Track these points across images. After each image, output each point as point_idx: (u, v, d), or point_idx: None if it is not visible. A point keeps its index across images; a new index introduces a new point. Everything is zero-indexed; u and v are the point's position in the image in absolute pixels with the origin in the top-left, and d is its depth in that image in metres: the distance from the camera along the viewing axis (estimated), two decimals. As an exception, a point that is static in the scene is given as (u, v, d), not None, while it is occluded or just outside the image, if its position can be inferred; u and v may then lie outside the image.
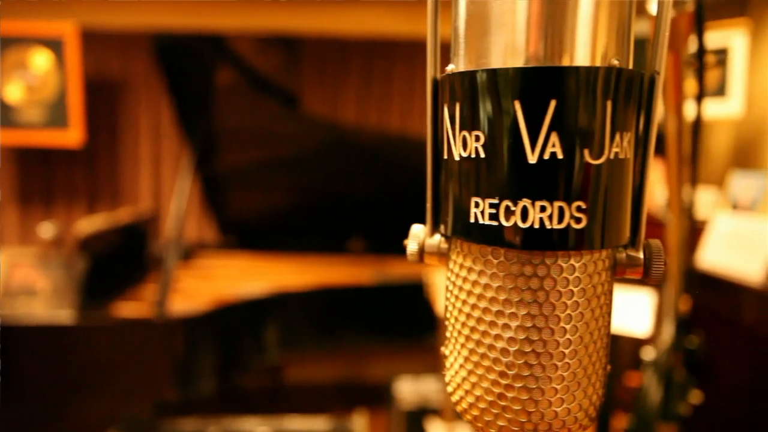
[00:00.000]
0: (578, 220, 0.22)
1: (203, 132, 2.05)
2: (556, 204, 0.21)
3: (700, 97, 0.59)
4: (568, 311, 0.23)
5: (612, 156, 0.22)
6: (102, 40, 2.67)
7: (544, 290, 0.22)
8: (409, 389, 1.91)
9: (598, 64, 0.22)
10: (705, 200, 2.39)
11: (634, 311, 1.78)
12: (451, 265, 0.26)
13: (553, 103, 0.21)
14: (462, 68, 0.24)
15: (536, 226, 0.22)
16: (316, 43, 2.77)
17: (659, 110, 0.24)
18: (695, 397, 1.04)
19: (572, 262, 0.22)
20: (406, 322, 2.01)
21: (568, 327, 0.23)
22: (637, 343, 1.19)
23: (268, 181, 2.34)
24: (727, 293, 1.86)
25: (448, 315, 0.26)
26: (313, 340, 2.03)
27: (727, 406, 1.85)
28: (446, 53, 0.25)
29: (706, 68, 0.57)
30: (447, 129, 0.24)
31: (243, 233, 2.57)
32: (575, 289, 0.23)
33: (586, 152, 0.21)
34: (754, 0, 2.42)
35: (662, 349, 1.02)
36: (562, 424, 0.24)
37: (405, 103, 2.75)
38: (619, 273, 0.25)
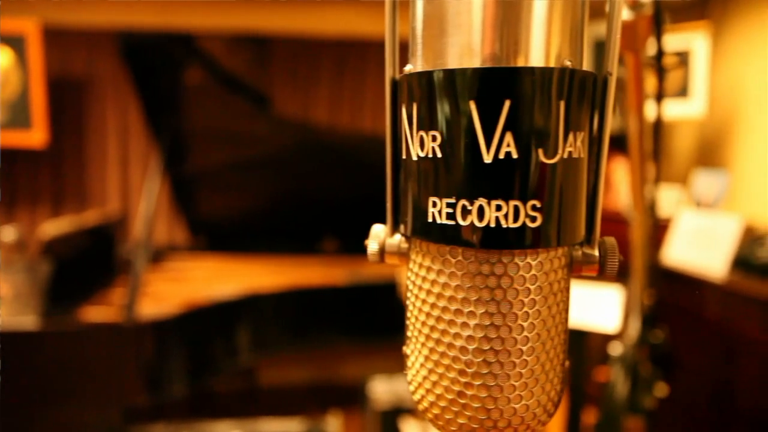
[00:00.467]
0: (533, 219, 0.22)
1: (172, 132, 2.01)
2: (512, 203, 0.22)
3: (659, 98, 0.60)
4: (525, 309, 0.23)
5: (566, 155, 0.22)
6: (66, 38, 2.60)
7: (501, 289, 0.23)
8: (383, 389, 1.91)
9: (551, 64, 0.22)
10: (670, 198, 2.45)
11: (604, 308, 1.82)
12: (411, 265, 0.26)
13: (507, 104, 0.21)
14: (420, 68, 0.24)
15: (492, 225, 0.22)
16: (287, 43, 2.75)
17: (612, 110, 0.24)
18: (661, 390, 1.06)
19: (528, 260, 0.23)
20: (380, 322, 2.01)
21: (525, 324, 0.23)
22: (607, 339, 1.22)
23: (239, 181, 2.31)
24: (692, 288, 1.92)
25: (409, 314, 0.26)
26: (286, 342, 2.02)
27: (691, 398, 1.90)
28: (406, 53, 0.26)
29: (665, 70, 0.58)
30: (405, 129, 0.24)
31: (214, 235, 2.53)
32: (532, 287, 0.23)
33: (540, 152, 0.22)
34: (714, 3, 2.49)
35: (629, 344, 1.04)
36: (521, 421, 0.24)
37: (378, 103, 2.75)
38: (575, 270, 0.25)
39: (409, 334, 0.27)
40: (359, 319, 2.07)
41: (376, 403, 1.90)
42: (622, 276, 0.97)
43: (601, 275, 0.25)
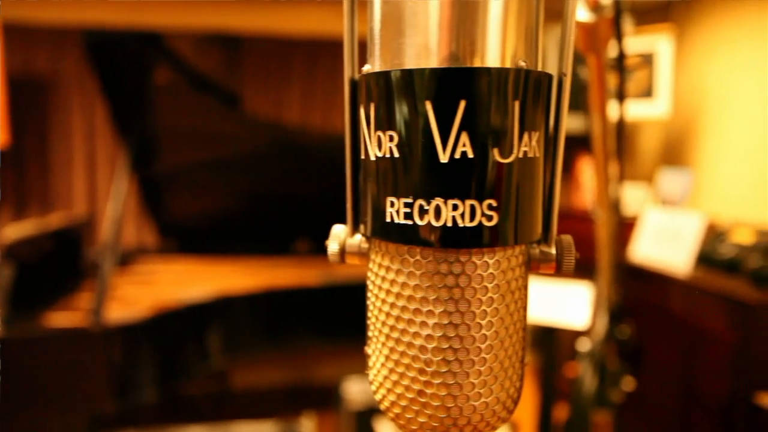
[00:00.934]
0: (490, 218, 0.22)
1: (140, 132, 1.97)
2: (468, 202, 0.22)
3: (621, 98, 0.61)
4: (483, 307, 0.23)
5: (521, 155, 0.22)
6: (28, 36, 2.53)
7: (459, 287, 0.23)
8: (357, 389, 1.91)
9: (507, 65, 0.22)
10: (636, 196, 2.50)
11: (574, 305, 1.85)
12: (371, 265, 0.26)
13: (462, 104, 0.21)
14: (378, 68, 0.24)
15: (449, 224, 0.22)
16: (259, 42, 2.72)
17: (567, 111, 0.24)
18: (628, 384, 1.09)
19: (486, 259, 0.23)
20: (353, 323, 2.00)
21: (483, 323, 0.23)
22: (577, 336, 1.24)
23: (210, 182, 2.28)
24: (658, 284, 1.96)
25: (369, 315, 0.26)
26: (258, 344, 2.00)
27: (658, 391, 1.95)
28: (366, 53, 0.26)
29: (626, 71, 0.59)
30: (363, 129, 0.24)
31: (184, 237, 2.49)
32: (489, 286, 0.23)
33: (495, 151, 0.22)
34: (677, 6, 2.56)
35: (596, 340, 1.06)
36: (480, 418, 0.24)
37: (350, 103, 2.73)
38: (533, 268, 0.25)
39: (370, 334, 0.27)
40: (333, 319, 2.06)
41: (350, 404, 1.90)
42: (589, 273, 0.99)
43: (558, 273, 0.25)
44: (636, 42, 2.31)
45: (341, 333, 2.05)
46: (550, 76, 0.24)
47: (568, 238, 0.25)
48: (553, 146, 0.25)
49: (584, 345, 1.07)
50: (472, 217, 0.22)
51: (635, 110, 2.37)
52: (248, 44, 2.73)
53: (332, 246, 0.27)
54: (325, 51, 2.75)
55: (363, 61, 0.26)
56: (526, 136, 0.23)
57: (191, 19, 2.64)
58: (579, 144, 2.45)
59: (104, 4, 2.55)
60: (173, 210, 2.40)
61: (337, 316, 2.05)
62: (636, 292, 2.04)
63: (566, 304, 1.85)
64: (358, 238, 0.27)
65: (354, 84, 0.26)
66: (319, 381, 2.72)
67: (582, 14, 0.50)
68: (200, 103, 2.02)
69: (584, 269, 1.20)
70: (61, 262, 2.06)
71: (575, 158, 2.80)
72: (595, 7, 0.50)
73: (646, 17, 2.56)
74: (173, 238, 2.49)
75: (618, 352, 1.10)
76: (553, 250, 0.25)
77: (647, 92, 2.32)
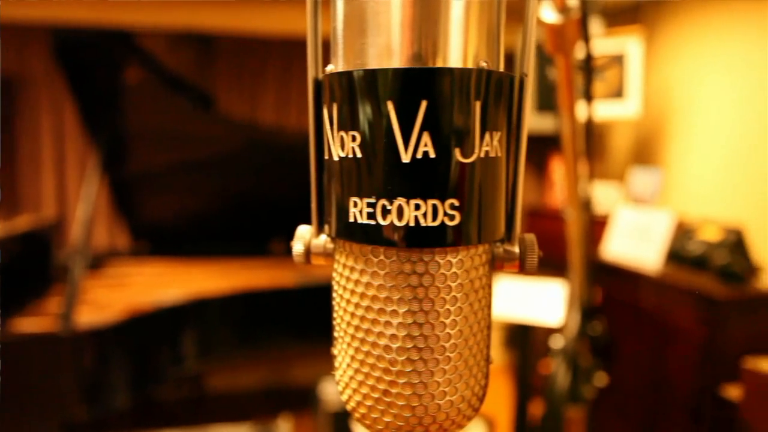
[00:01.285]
0: (452, 218, 0.22)
1: (111, 133, 1.94)
2: (430, 202, 0.22)
3: (589, 99, 0.62)
4: (447, 306, 0.23)
5: (483, 155, 0.23)
6: (-7, 34, 2.46)
7: (422, 287, 0.23)
8: (334, 390, 1.90)
9: (469, 66, 0.23)
10: (608, 195, 2.55)
11: (548, 302, 1.88)
12: (336, 266, 0.26)
13: (424, 104, 0.21)
14: (341, 69, 0.24)
15: (411, 224, 0.22)
16: (232, 42, 2.70)
17: (528, 111, 0.25)
18: (601, 379, 1.10)
19: (449, 258, 0.23)
20: (330, 324, 2.00)
21: (447, 322, 0.23)
22: (551, 333, 1.25)
23: (183, 183, 2.25)
24: (629, 281, 2.00)
25: (335, 315, 0.26)
26: (234, 347, 1.98)
27: (630, 385, 1.99)
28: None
29: (595, 71, 0.60)
30: (327, 129, 0.24)
31: (157, 239, 2.45)
32: (453, 285, 0.23)
33: (457, 151, 0.22)
34: (646, 8, 2.61)
35: (569, 337, 1.07)
36: (445, 416, 0.24)
37: (326, 103, 2.72)
38: (497, 267, 0.26)
39: (335, 334, 0.27)
40: (309, 320, 2.05)
41: (327, 405, 1.89)
42: (562, 271, 1.00)
43: (522, 271, 0.26)
44: (606, 43, 2.35)
45: (317, 334, 2.04)
46: (511, 77, 0.24)
47: (531, 237, 0.26)
48: (515, 146, 0.25)
49: (557, 342, 1.08)
50: (435, 217, 0.22)
51: (606, 110, 2.42)
52: (222, 44, 2.70)
53: (297, 247, 0.27)
54: (300, 50, 2.73)
55: (327, 61, 0.26)
56: (487, 136, 0.23)
57: (163, 18, 2.60)
58: (552, 143, 2.49)
59: (73, 1, 2.50)
60: (146, 212, 2.36)
61: (313, 317, 2.04)
62: (608, 289, 2.08)
63: (541, 301, 1.87)
64: (324, 238, 0.27)
65: (318, 84, 0.25)
66: (296, 382, 2.70)
67: (549, 15, 0.50)
68: (173, 103, 1.99)
69: (557, 267, 1.21)
70: (30, 266, 2.01)
71: (548, 158, 2.84)
72: (563, 9, 0.50)
73: (616, 19, 2.61)
74: (146, 240, 2.45)
75: (590, 349, 1.11)
76: (517, 249, 0.25)
77: (618, 93, 2.36)
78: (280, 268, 2.21)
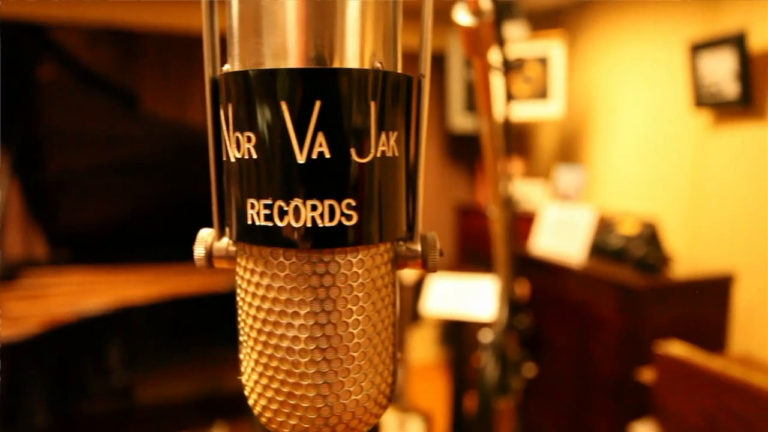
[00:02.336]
0: (349, 218, 0.22)
1: (23, 134, 1.82)
2: (327, 202, 0.22)
3: (507, 100, 0.65)
4: (349, 306, 0.23)
5: (379, 154, 0.23)
6: None
7: (323, 288, 0.23)
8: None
9: (365, 66, 0.23)
10: (535, 192, 2.65)
11: (481, 298, 1.93)
12: (238, 268, 0.25)
13: (318, 104, 0.21)
14: (237, 68, 0.24)
15: (309, 224, 0.22)
16: (158, 39, 2.59)
17: (426, 110, 0.25)
18: (530, 370, 1.14)
19: (349, 258, 0.23)
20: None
21: (350, 321, 0.24)
22: (483, 327, 1.28)
23: (107, 187, 2.14)
24: (556, 274, 2.09)
25: (239, 319, 0.26)
26: (164, 355, 1.90)
27: (558, 374, 2.08)
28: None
29: (509, 73, 0.62)
30: (223, 130, 0.24)
31: (79, 246, 2.32)
32: (354, 285, 0.23)
33: (353, 151, 0.22)
34: (568, 13, 2.74)
35: (497, 331, 1.10)
36: (352, 416, 0.24)
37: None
38: (400, 266, 0.26)
39: (241, 338, 0.26)
40: (244, 325, 2.00)
41: (264, 410, 1.85)
42: (492, 267, 1.03)
43: (425, 269, 0.26)
44: (531, 46, 2.44)
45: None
46: (408, 77, 0.25)
47: (432, 235, 0.26)
48: (415, 146, 0.25)
49: (486, 336, 1.11)
50: (332, 217, 0.22)
51: (531, 111, 2.51)
52: (147, 41, 2.59)
53: (198, 251, 0.26)
54: (229, 49, 2.66)
55: (226, 60, 0.25)
56: (383, 136, 0.23)
57: (80, 12, 2.47)
58: (479, 144, 2.55)
59: (-22, -8, 2.32)
60: (65, 217, 2.23)
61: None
62: (536, 283, 2.16)
63: (474, 298, 1.92)
64: (226, 241, 0.26)
65: (216, 84, 0.25)
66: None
67: (464, 18, 0.52)
68: (92, 102, 1.89)
69: (489, 263, 1.25)
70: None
71: (479, 157, 2.92)
72: (477, 12, 0.52)
73: (540, 23, 2.72)
74: (66, 248, 2.32)
75: (519, 341, 1.15)
76: (419, 247, 0.26)
77: (542, 94, 2.46)
78: (212, 273, 2.15)
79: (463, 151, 3.20)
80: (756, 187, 1.87)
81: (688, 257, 2.09)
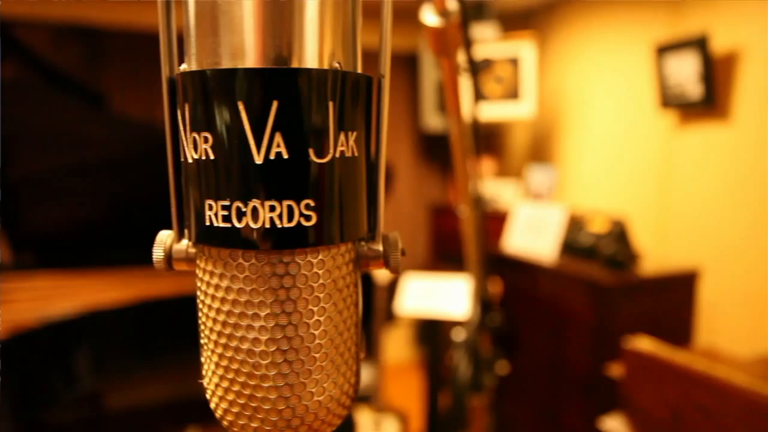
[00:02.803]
0: (309, 218, 0.22)
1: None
2: (285, 203, 0.22)
3: (474, 100, 0.65)
4: (309, 307, 0.23)
5: (338, 155, 0.23)
6: None
7: (283, 289, 0.23)
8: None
9: (323, 66, 0.23)
10: (508, 192, 2.68)
11: (455, 297, 1.94)
12: (197, 271, 0.25)
13: (275, 104, 0.21)
14: (194, 68, 0.23)
15: (267, 225, 0.22)
16: (126, 38, 2.54)
17: (387, 111, 0.25)
18: (503, 368, 1.16)
19: (309, 258, 0.23)
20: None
21: (311, 322, 0.23)
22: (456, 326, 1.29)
23: (74, 189, 2.09)
24: (528, 272, 2.12)
25: (199, 322, 0.26)
26: (135, 360, 1.87)
27: (531, 370, 2.11)
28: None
29: (477, 74, 0.63)
30: (181, 130, 0.24)
31: (45, 250, 2.26)
32: (315, 285, 0.23)
33: (311, 152, 0.22)
34: (539, 15, 2.78)
35: (470, 329, 1.11)
36: (314, 417, 0.24)
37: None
38: (362, 266, 0.26)
39: (201, 341, 0.26)
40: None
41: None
42: (462, 266, 1.04)
43: (388, 268, 0.26)
44: (502, 47, 2.47)
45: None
46: (368, 78, 0.25)
47: (394, 235, 0.26)
48: (376, 146, 0.25)
49: (459, 335, 1.12)
50: (290, 218, 0.22)
51: (503, 111, 2.54)
52: (115, 39, 2.54)
53: (157, 253, 0.26)
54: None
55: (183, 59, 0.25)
56: (342, 136, 0.23)
57: (47, 10, 2.40)
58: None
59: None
60: (30, 221, 2.17)
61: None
62: (510, 281, 2.19)
63: (448, 297, 1.93)
64: (185, 243, 0.26)
65: (173, 83, 0.25)
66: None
67: (431, 19, 0.52)
68: (58, 101, 1.85)
69: (462, 262, 1.25)
70: None
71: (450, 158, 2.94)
72: (443, 12, 0.52)
73: (511, 24, 2.75)
74: (30, 252, 2.25)
75: (492, 339, 1.16)
76: (381, 247, 0.26)
77: (514, 94, 2.49)
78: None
79: (437, 151, 3.22)
80: (719, 185, 1.93)
81: (656, 254, 2.14)
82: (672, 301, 1.90)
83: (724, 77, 1.88)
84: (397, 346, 3.08)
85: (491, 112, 2.53)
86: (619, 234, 1.96)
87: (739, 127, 1.86)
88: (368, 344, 2.14)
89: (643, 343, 1.28)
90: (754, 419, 1.05)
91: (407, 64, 3.01)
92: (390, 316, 2.24)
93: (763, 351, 1.76)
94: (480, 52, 2.45)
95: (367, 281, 1.93)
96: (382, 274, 2.05)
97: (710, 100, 1.89)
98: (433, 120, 2.72)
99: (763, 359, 1.62)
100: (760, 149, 1.79)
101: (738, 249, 1.87)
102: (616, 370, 1.49)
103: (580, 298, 1.85)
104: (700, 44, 1.86)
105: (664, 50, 2.00)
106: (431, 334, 2.06)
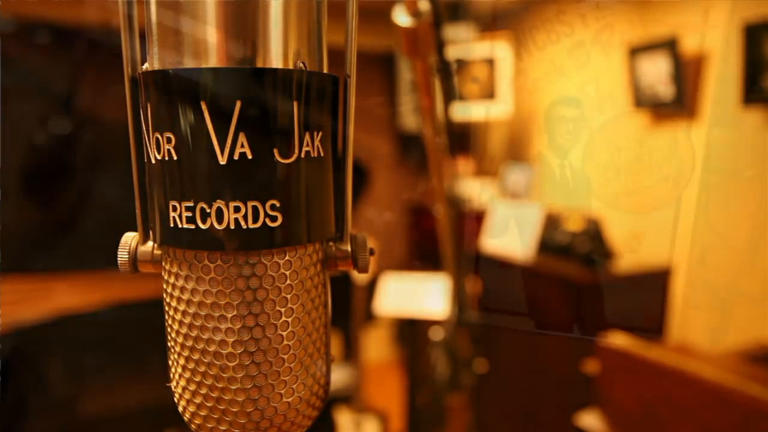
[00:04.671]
0: (274, 219, 0.22)
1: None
2: (250, 204, 0.22)
3: (447, 101, 0.66)
4: (277, 308, 0.23)
5: (303, 155, 0.23)
6: None
7: (250, 290, 0.23)
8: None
9: (287, 65, 0.23)
10: (485, 191, 2.70)
11: (434, 296, 1.95)
12: (163, 273, 0.25)
13: (239, 104, 0.21)
14: (156, 67, 0.23)
15: (232, 226, 0.22)
16: (93, 35, 2.49)
17: (353, 111, 0.25)
18: (481, 366, 1.16)
19: (276, 259, 0.23)
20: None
21: (278, 323, 0.23)
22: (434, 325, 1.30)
23: (38, 190, 2.04)
24: (505, 271, 2.14)
25: (166, 324, 0.25)
26: (109, 365, 1.84)
27: (510, 368, 2.13)
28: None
29: (449, 75, 0.63)
30: (144, 130, 0.23)
31: (10, 254, 2.20)
32: (282, 286, 0.23)
33: (275, 152, 0.22)
34: (514, 14, 2.80)
35: (448, 328, 1.12)
36: (283, 419, 0.24)
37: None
38: (330, 266, 0.26)
39: (168, 344, 0.25)
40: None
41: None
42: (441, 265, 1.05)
43: (356, 268, 0.26)
44: (478, 47, 2.49)
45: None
46: (334, 78, 0.25)
47: (362, 235, 0.26)
48: (343, 146, 0.25)
49: (437, 334, 1.12)
50: (256, 219, 0.22)
51: (480, 111, 2.56)
52: (81, 36, 2.49)
53: (121, 255, 0.25)
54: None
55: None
56: (308, 136, 0.23)
57: (6, 6, 2.34)
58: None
59: None
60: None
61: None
62: (487, 280, 2.20)
63: (426, 296, 1.94)
64: (151, 244, 0.25)
65: (135, 83, 0.24)
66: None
67: (402, 19, 0.52)
68: (21, 100, 1.80)
69: (439, 262, 1.26)
70: None
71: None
72: (415, 12, 0.52)
73: (486, 25, 2.77)
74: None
75: (470, 338, 1.17)
76: (349, 247, 0.26)
77: (490, 94, 2.52)
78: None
79: (415, 151, 3.22)
80: (690, 183, 1.97)
81: (629, 252, 2.17)
82: (646, 298, 1.94)
83: (693, 78, 1.92)
84: (377, 346, 3.08)
85: (468, 111, 2.55)
86: (595, 232, 1.99)
87: (705, 126, 1.90)
88: (348, 345, 2.14)
89: (618, 340, 1.30)
90: (723, 411, 1.07)
91: (384, 64, 3.01)
92: (369, 316, 2.24)
93: (733, 345, 1.81)
94: (455, 52, 2.46)
95: (346, 281, 1.93)
96: (360, 275, 2.05)
97: (681, 100, 1.93)
98: (410, 120, 2.73)
99: (733, 353, 1.67)
100: (725, 148, 1.84)
101: (709, 246, 1.92)
102: (591, 366, 1.52)
103: (557, 296, 1.88)
104: (670, 46, 1.90)
105: (636, 51, 2.04)
106: (410, 333, 2.06)
